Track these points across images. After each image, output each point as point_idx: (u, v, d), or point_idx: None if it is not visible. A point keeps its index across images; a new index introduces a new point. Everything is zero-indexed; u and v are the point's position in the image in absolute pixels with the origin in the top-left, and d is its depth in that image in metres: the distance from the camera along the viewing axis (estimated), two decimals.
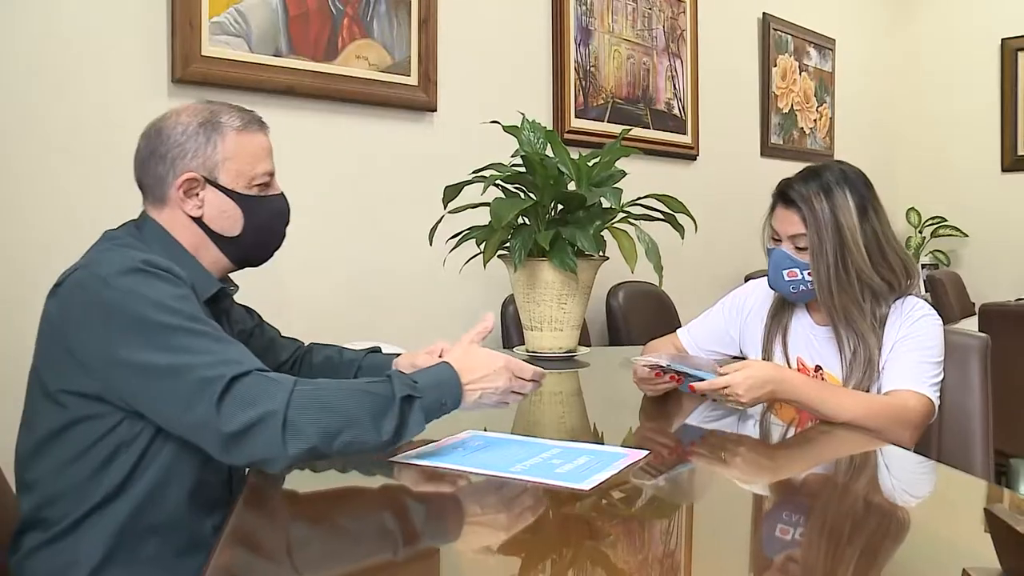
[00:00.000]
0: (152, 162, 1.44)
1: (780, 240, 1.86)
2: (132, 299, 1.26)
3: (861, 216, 1.78)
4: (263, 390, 1.21)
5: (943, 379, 1.78)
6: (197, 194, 1.44)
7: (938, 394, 1.74)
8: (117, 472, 1.30)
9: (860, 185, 1.82)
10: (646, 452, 1.38)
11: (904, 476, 1.47)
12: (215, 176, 1.44)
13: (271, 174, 1.51)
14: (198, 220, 1.45)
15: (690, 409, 1.82)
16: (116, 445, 1.30)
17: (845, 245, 1.77)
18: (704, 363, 1.73)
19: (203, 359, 1.23)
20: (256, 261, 1.56)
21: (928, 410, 1.71)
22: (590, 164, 2.34)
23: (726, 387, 1.62)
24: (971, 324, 3.40)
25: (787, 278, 1.85)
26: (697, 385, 1.66)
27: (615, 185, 2.32)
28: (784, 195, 1.84)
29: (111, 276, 1.27)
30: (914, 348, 1.76)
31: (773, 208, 1.88)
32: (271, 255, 1.58)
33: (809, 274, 1.81)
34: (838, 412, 1.66)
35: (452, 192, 2.39)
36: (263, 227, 1.51)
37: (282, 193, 1.55)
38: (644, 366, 1.77)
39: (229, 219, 1.47)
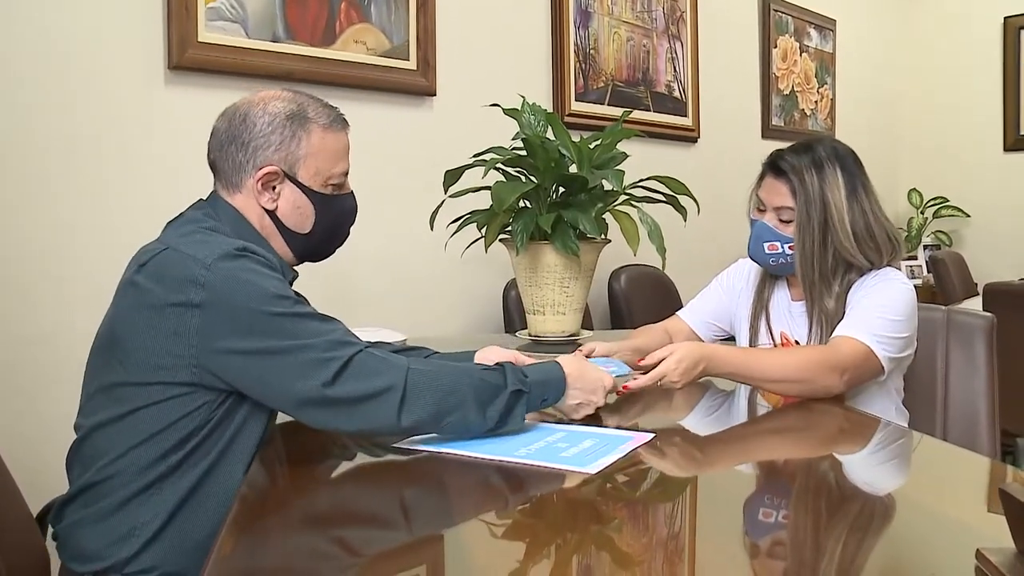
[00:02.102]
0: (232, 148, 1.42)
1: (764, 211, 1.86)
2: (238, 285, 1.25)
3: (850, 195, 1.78)
4: (381, 365, 1.25)
5: (905, 338, 1.73)
6: (274, 187, 1.43)
7: (889, 352, 1.68)
8: (180, 454, 1.30)
9: (850, 163, 1.82)
10: (652, 435, 1.37)
11: (911, 455, 1.45)
12: (294, 171, 1.43)
13: (346, 174, 1.51)
14: (270, 212, 1.44)
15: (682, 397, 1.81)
16: (188, 431, 1.29)
17: (830, 223, 1.77)
18: (612, 360, 1.70)
19: (317, 340, 1.24)
20: (318, 258, 1.56)
21: (863, 358, 1.66)
22: (591, 146, 2.32)
23: (661, 378, 1.59)
24: (974, 304, 3.39)
25: (767, 251, 1.86)
26: (631, 384, 1.59)
27: (617, 167, 2.30)
28: (775, 166, 1.85)
29: (211, 260, 1.26)
30: (869, 305, 1.74)
31: (762, 178, 1.89)
32: (333, 253, 1.58)
33: (790, 247, 1.82)
34: (767, 373, 1.67)
35: (452, 176, 2.37)
36: (332, 226, 1.51)
37: (352, 192, 1.54)
38: None
39: (302, 216, 1.46)
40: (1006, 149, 5.49)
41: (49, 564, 1.43)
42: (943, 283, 4.59)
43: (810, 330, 1.85)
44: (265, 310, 1.24)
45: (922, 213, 5.63)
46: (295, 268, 1.56)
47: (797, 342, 1.90)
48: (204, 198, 1.48)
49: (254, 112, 1.42)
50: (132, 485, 1.29)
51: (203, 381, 1.28)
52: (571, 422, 1.45)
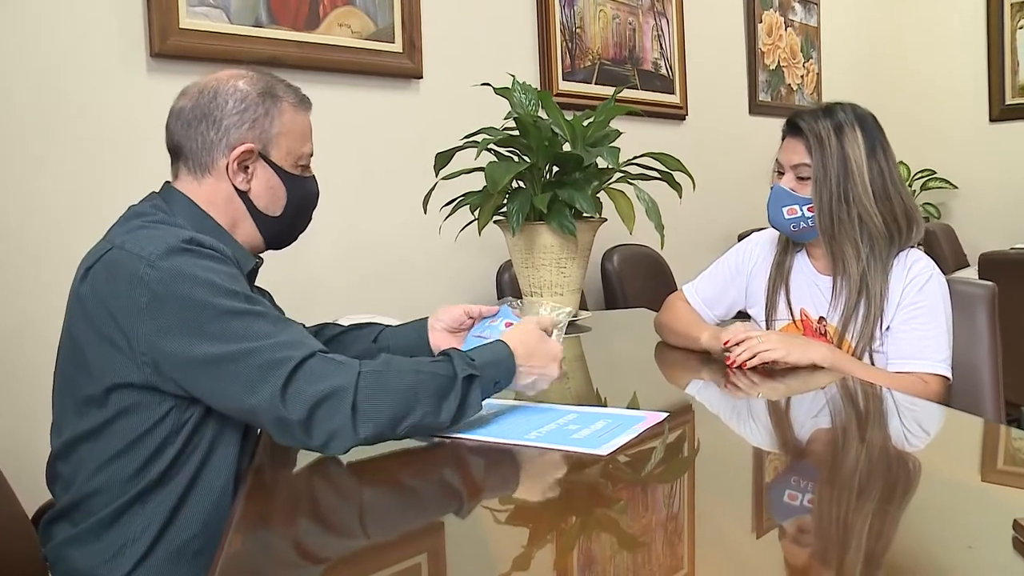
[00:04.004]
0: (203, 126, 1.35)
1: (783, 174, 1.82)
2: (184, 283, 1.18)
3: (869, 153, 1.75)
4: (331, 372, 1.17)
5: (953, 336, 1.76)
6: (247, 167, 1.37)
7: (950, 361, 1.72)
8: (161, 464, 1.25)
9: (870, 125, 1.79)
10: (665, 414, 1.34)
11: (925, 426, 1.43)
12: (268, 151, 1.38)
13: (311, 156, 1.46)
14: (243, 194, 1.38)
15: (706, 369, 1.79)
16: (162, 439, 1.24)
17: (849, 175, 1.73)
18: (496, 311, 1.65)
19: (266, 343, 1.17)
20: (284, 243, 1.51)
21: (946, 387, 1.71)
22: (585, 124, 2.28)
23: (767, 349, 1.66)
24: (967, 276, 3.38)
25: (787, 216, 1.81)
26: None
27: (611, 144, 2.27)
28: (793, 125, 1.81)
29: (156, 257, 1.19)
30: (924, 322, 1.73)
31: (782, 140, 1.85)
32: (296, 239, 1.52)
33: (809, 209, 1.77)
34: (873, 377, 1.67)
35: (443, 159, 2.33)
36: (300, 209, 1.47)
37: (314, 175, 1.49)
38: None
39: (274, 197, 1.41)
40: (992, 120, 5.47)
41: (46, 568, 1.39)
42: (934, 255, 4.53)
43: (832, 299, 1.82)
44: (213, 306, 1.18)
45: (910, 186, 5.62)
46: (259, 256, 1.50)
47: (822, 319, 1.85)
48: (156, 191, 1.41)
49: (226, 89, 1.36)
50: (117, 501, 1.24)
51: (161, 386, 1.22)
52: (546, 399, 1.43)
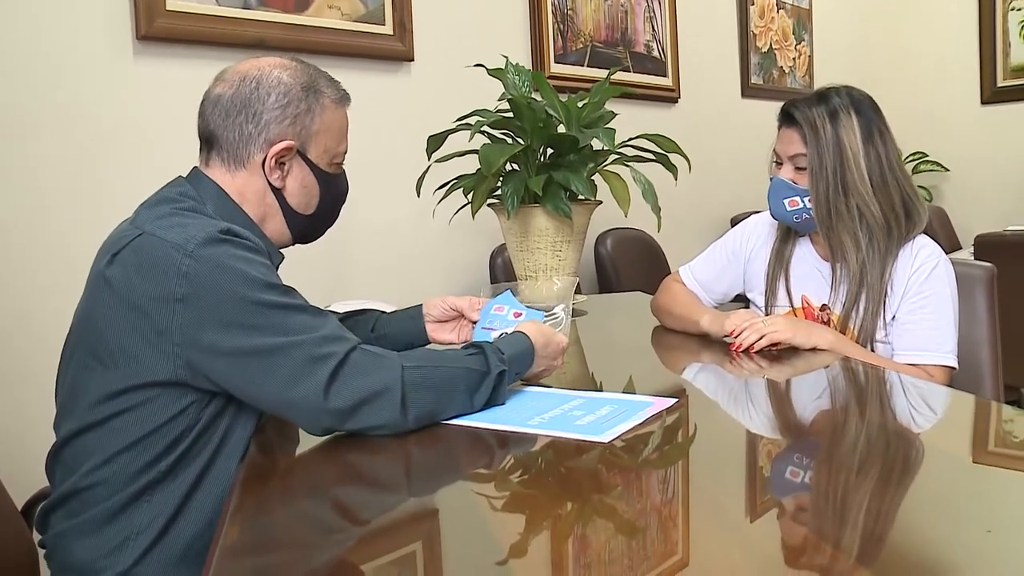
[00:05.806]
0: (241, 117, 1.30)
1: (781, 164, 1.79)
2: (224, 274, 1.15)
3: (866, 139, 1.71)
4: (375, 367, 1.18)
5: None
6: (284, 164, 1.33)
7: (956, 350, 1.70)
8: (171, 458, 1.21)
9: (866, 108, 1.75)
10: (674, 400, 1.32)
11: (933, 406, 1.41)
12: (306, 148, 1.34)
13: (346, 153, 1.43)
14: (276, 191, 1.35)
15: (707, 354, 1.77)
16: (177, 434, 1.21)
17: (846, 163, 1.70)
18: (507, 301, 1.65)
19: (310, 336, 1.16)
20: (311, 239, 1.48)
21: (951, 376, 1.69)
22: (580, 105, 2.25)
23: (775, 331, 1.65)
24: (961, 258, 3.36)
25: (789, 208, 1.78)
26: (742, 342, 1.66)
27: (607, 126, 2.24)
28: (788, 115, 1.78)
29: (194, 247, 1.15)
30: (930, 312, 1.70)
31: (778, 130, 1.82)
32: (322, 235, 1.50)
33: (810, 200, 1.75)
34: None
35: (436, 142, 2.30)
36: (331, 207, 1.44)
37: (345, 172, 1.46)
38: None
39: (308, 195, 1.38)
40: (983, 102, 5.45)
41: (38, 559, 1.36)
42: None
43: (832, 290, 1.80)
44: (254, 299, 1.15)
45: None
46: (280, 251, 1.46)
47: (825, 306, 1.82)
48: (184, 175, 1.36)
49: (269, 81, 1.31)
50: (121, 493, 1.20)
51: (190, 380, 1.18)
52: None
